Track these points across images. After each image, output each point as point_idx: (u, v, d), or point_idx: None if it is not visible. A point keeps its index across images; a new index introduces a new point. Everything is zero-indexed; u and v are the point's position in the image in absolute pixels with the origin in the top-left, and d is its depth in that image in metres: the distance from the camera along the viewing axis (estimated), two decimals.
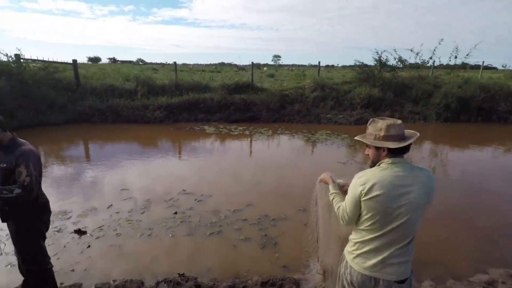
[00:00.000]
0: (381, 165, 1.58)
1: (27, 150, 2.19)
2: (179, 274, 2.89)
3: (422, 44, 13.48)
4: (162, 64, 75.78)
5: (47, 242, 3.18)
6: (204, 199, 4.59)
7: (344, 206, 1.68)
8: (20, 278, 2.56)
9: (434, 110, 11.15)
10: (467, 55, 13.40)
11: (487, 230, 3.93)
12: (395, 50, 12.91)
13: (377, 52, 12.77)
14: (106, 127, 9.54)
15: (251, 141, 8.42)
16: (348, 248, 1.72)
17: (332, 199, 1.83)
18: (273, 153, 7.38)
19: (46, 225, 2.40)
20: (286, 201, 4.65)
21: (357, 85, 12.47)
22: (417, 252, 3.11)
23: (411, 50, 13.21)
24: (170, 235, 3.61)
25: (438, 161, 7.29)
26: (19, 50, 10.47)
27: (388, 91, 11.86)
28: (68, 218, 3.89)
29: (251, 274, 2.98)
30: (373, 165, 1.66)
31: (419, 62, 13.38)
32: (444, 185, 5.52)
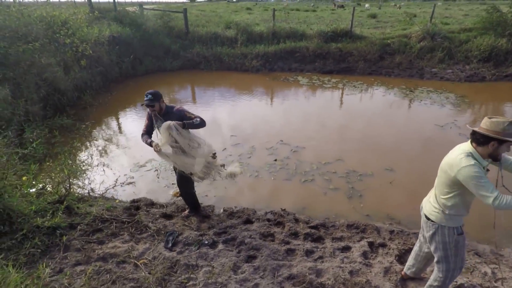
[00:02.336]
0: None
1: (179, 108, 3.13)
2: (281, 209, 3.76)
3: None
4: (255, 2, 74.89)
5: None
6: (299, 150, 5.29)
7: None
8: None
9: None
10: None
11: None
12: None
13: None
14: (211, 74, 10.77)
15: (343, 95, 8.53)
16: None
17: None
18: (365, 109, 7.45)
19: None
20: (374, 159, 5.01)
21: (479, 33, 10.64)
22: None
23: None
24: (272, 178, 4.48)
25: None
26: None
27: None
28: None
29: (338, 217, 3.66)
30: None
31: None
32: None
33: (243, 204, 3.91)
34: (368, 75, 10.33)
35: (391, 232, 3.34)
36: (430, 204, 2.20)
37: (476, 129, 1.89)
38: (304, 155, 5.14)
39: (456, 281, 2.60)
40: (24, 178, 3.30)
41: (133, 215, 3.52)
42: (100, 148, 5.53)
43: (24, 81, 6.00)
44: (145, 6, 14.17)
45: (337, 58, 11.02)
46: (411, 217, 3.61)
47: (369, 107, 7.60)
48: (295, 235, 3.29)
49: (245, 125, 6.37)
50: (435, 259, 2.25)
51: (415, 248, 2.54)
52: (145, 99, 2.95)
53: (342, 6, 33.41)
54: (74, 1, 14.40)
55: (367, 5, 38.58)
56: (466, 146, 1.97)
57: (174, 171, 3.45)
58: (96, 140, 5.85)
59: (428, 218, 2.19)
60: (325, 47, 11.21)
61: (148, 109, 3.07)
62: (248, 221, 3.54)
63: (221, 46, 11.66)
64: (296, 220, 3.54)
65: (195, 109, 7.12)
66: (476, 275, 2.72)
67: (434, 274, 2.31)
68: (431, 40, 10.70)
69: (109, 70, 9.29)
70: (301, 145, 5.45)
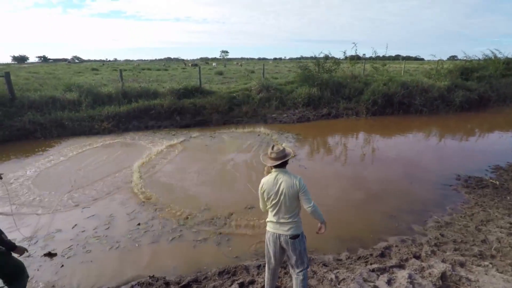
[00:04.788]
0: (270, 172, 2.71)
1: None
2: (149, 276, 3.46)
3: (356, 43, 15.38)
4: (102, 62, 70.88)
5: None
6: (163, 208, 5.12)
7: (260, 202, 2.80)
8: None
9: (364, 105, 12.74)
10: (386, 49, 16.34)
11: (391, 208, 5.09)
12: (329, 53, 14.60)
13: (315, 56, 14.24)
14: (50, 142, 9.31)
15: (203, 146, 8.96)
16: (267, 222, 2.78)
17: None
18: (225, 156, 8.02)
19: None
20: (234, 200, 5.38)
21: (299, 85, 13.62)
22: (339, 231, 4.16)
23: (344, 52, 15.10)
24: (137, 245, 4.12)
25: (370, 148, 8.62)
26: None
27: (325, 90, 13.20)
28: (35, 243, 4.14)
29: (210, 267, 3.67)
30: (267, 173, 2.77)
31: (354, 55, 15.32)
32: (368, 169, 6.70)
33: (104, 286, 3.39)
34: (223, 125, 11.31)
35: (258, 267, 3.58)
36: (291, 224, 2.60)
37: (288, 158, 2.67)
38: (170, 211, 5.00)
39: None
40: None
41: None
42: None
43: None
44: None
45: (192, 112, 11.64)
46: None
47: (228, 154, 8.21)
48: None
49: (97, 193, 5.72)
50: (302, 266, 2.66)
51: (270, 276, 2.87)
52: None
53: (196, 65, 36.25)
54: None
55: (214, 64, 43.27)
56: (285, 169, 2.68)
57: None
58: None
59: (295, 237, 2.60)
60: (180, 103, 11.71)
61: None
62: None
63: (61, 110, 10.42)
64: (167, 284, 3.32)
65: (28, 187, 5.92)
66: (325, 283, 3.21)
67: (300, 278, 2.64)
68: (267, 91, 12.87)
69: None
70: (165, 202, 5.30)
